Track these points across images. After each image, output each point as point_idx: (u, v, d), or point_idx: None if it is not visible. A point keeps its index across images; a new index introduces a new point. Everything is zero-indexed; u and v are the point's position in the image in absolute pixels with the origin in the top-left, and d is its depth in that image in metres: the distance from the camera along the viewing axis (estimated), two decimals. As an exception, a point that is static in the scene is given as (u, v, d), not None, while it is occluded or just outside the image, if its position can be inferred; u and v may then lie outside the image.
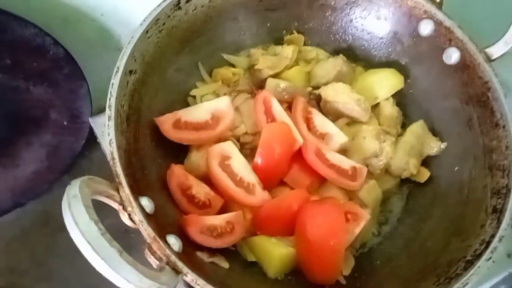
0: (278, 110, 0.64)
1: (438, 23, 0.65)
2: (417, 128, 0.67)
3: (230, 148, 0.61)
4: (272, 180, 0.62)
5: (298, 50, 0.72)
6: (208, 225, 0.55)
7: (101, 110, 0.78)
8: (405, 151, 0.65)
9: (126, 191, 0.48)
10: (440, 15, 0.65)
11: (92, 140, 0.75)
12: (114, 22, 0.74)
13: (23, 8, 0.64)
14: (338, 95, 0.66)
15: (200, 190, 0.59)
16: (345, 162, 0.62)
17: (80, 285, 0.73)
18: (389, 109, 0.67)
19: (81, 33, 0.73)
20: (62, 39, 0.67)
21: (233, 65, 0.73)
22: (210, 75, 0.71)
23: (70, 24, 0.70)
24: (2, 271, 0.72)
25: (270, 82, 0.68)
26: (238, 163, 0.61)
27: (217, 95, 0.69)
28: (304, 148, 0.61)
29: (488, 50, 0.62)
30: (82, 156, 0.76)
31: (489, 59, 0.62)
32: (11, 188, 0.69)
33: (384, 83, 0.69)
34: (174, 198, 0.59)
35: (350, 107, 0.66)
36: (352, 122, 0.68)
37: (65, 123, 0.71)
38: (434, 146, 0.66)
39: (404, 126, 0.71)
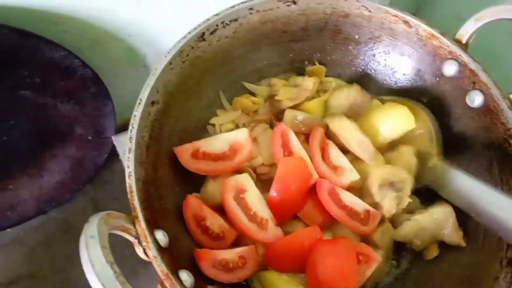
0: (295, 144, 0.65)
1: (463, 65, 0.65)
2: (439, 212, 0.63)
3: (246, 180, 0.62)
4: (286, 215, 0.63)
5: (319, 82, 0.72)
6: (220, 259, 0.56)
7: (125, 123, 0.81)
8: (411, 229, 0.62)
9: (142, 225, 0.49)
10: (465, 57, 0.64)
11: (115, 153, 0.78)
12: (141, 42, 0.76)
13: (54, 31, 0.66)
14: (343, 130, 0.66)
15: (214, 222, 0.60)
16: (359, 205, 0.62)
17: None
18: (407, 157, 0.66)
19: (109, 53, 0.75)
20: (91, 58, 0.70)
21: (253, 94, 0.73)
22: (231, 103, 0.72)
23: (98, 45, 0.73)
24: (23, 276, 0.76)
25: (288, 114, 0.69)
26: (253, 196, 0.61)
27: (236, 123, 0.70)
28: (318, 186, 0.61)
29: (512, 96, 0.61)
30: (105, 168, 0.79)
31: (513, 106, 0.61)
32: (35, 197, 0.73)
33: (394, 124, 0.67)
34: (189, 228, 0.60)
35: (353, 147, 0.66)
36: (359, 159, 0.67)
37: (89, 137, 0.75)
38: (453, 240, 0.62)
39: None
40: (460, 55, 0.65)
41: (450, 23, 0.70)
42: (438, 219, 0.62)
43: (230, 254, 0.57)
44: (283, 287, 0.57)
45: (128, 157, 0.53)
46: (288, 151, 0.65)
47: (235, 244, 0.61)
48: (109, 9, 0.68)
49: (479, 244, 0.60)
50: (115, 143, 0.77)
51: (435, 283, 0.61)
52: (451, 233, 0.62)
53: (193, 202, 0.60)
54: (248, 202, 0.61)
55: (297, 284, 0.58)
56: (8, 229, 0.74)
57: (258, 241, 0.59)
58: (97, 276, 0.39)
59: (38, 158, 0.73)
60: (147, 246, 0.49)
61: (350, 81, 0.75)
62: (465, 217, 0.64)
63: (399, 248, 0.66)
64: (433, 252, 0.64)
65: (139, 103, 0.56)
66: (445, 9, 0.63)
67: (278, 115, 0.71)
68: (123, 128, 0.79)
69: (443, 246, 0.64)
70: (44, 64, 0.66)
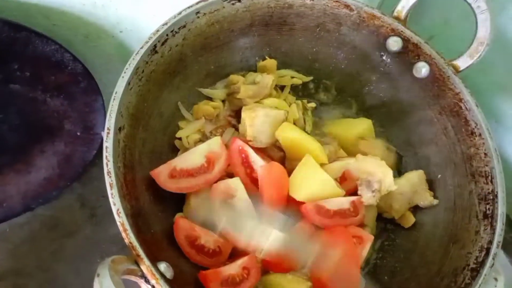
0: (255, 159, 0.63)
1: (405, 40, 0.68)
2: (414, 177, 0.67)
3: (235, 185, 0.61)
4: None
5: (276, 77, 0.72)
6: (226, 276, 0.55)
7: None
8: (390, 194, 0.65)
9: (146, 263, 0.46)
10: (407, 32, 0.68)
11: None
12: (132, 38, 0.75)
13: (46, 25, 0.66)
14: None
15: (209, 239, 0.58)
16: (344, 203, 0.63)
17: None
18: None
19: (101, 49, 0.75)
20: (82, 54, 0.69)
21: (211, 99, 0.71)
22: (192, 113, 0.69)
23: (90, 41, 0.72)
24: (8, 274, 0.72)
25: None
26: (242, 202, 0.60)
27: (202, 132, 0.68)
28: (305, 212, 0.61)
29: (455, 63, 0.66)
30: (93, 164, 0.76)
31: (457, 71, 0.66)
32: (22, 193, 0.71)
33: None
34: (184, 251, 0.57)
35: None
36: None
37: (78, 133, 0.73)
38: (426, 200, 0.67)
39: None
40: (401, 30, 0.68)
41: (438, 27, 0.74)
42: (413, 183, 0.66)
43: (234, 268, 0.56)
44: (290, 286, 0.58)
45: (112, 194, 0.49)
46: (249, 168, 0.64)
47: (232, 255, 0.60)
48: (102, 5, 0.67)
49: (452, 203, 0.65)
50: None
51: (421, 248, 0.65)
52: (424, 194, 0.67)
53: (183, 224, 0.58)
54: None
55: (302, 280, 0.58)
56: None
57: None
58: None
59: (26, 154, 0.71)
60: (157, 282, 0.46)
61: (303, 70, 0.76)
62: (432, 182, 0.69)
63: (379, 221, 0.69)
64: (410, 220, 0.68)
65: (108, 133, 0.52)
66: (434, 14, 0.66)
67: (238, 112, 0.70)
68: None
69: (419, 211, 0.68)
70: (35, 57, 0.66)
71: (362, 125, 0.73)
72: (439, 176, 0.68)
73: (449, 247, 0.62)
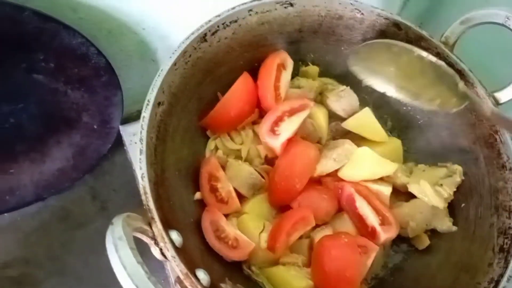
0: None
1: (450, 65, 0.68)
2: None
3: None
4: (283, 196, 0.66)
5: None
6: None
7: (129, 115, 0.82)
8: (410, 209, 0.66)
9: (158, 226, 0.49)
10: (452, 58, 0.68)
11: (116, 144, 0.78)
12: (154, 36, 0.76)
13: (72, 18, 0.67)
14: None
15: (225, 187, 0.65)
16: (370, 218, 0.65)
17: (91, 283, 0.77)
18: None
19: (122, 44, 0.75)
20: (104, 49, 0.70)
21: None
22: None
23: (113, 36, 0.73)
24: (17, 262, 0.75)
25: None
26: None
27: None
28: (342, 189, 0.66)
29: (496, 94, 0.66)
30: (105, 158, 0.79)
31: (497, 103, 0.66)
32: (35, 182, 0.73)
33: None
34: (200, 182, 0.66)
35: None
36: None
37: (95, 126, 0.75)
38: (444, 225, 0.66)
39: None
40: (447, 56, 0.68)
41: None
42: (433, 206, 0.66)
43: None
44: (292, 281, 0.59)
45: (140, 159, 0.53)
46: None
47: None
48: (127, 1, 0.68)
49: (471, 233, 0.64)
50: (122, 133, 0.78)
51: (432, 272, 0.64)
52: (443, 219, 0.67)
53: (213, 161, 0.65)
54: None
55: (305, 278, 0.60)
56: (5, 214, 0.74)
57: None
58: (130, 277, 0.39)
59: (43, 144, 0.73)
60: (165, 246, 0.49)
61: (342, 80, 0.78)
62: (454, 209, 0.68)
63: (393, 240, 0.69)
64: (424, 242, 0.68)
65: (147, 104, 0.56)
66: (453, 19, 0.66)
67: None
68: (126, 120, 0.79)
69: (436, 235, 0.68)
70: (61, 49, 0.66)
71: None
72: (463, 205, 0.67)
73: (459, 274, 0.61)
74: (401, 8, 0.80)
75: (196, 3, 0.71)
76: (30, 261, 0.75)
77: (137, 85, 0.75)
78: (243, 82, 0.69)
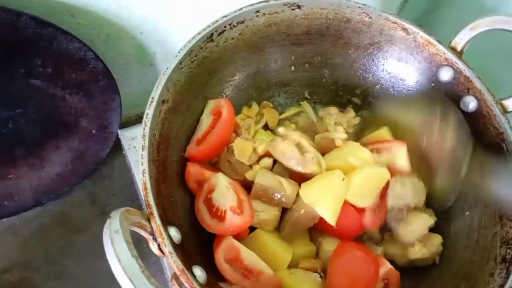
0: None
1: (457, 71, 0.68)
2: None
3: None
4: None
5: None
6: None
7: (128, 120, 0.82)
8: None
9: (157, 222, 0.50)
10: (460, 64, 0.67)
11: (115, 148, 0.79)
12: (152, 40, 0.77)
13: (70, 22, 0.67)
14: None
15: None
16: None
17: (90, 287, 0.75)
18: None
19: (121, 49, 0.76)
20: (102, 53, 0.70)
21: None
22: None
23: (111, 41, 0.73)
24: (16, 266, 0.75)
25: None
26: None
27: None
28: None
29: (505, 102, 0.65)
30: (104, 162, 0.79)
31: (505, 111, 0.65)
32: (34, 187, 0.74)
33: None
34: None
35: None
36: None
37: (93, 131, 0.75)
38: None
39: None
40: (455, 62, 0.68)
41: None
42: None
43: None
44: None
45: (142, 154, 0.54)
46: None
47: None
48: (126, 6, 0.68)
49: (474, 242, 0.63)
50: (120, 137, 0.79)
51: (432, 280, 0.64)
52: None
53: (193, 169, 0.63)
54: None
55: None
56: (4, 219, 0.75)
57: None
58: (124, 270, 0.40)
59: (41, 149, 0.73)
60: (163, 242, 0.49)
61: (350, 84, 0.78)
62: (458, 219, 0.68)
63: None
64: None
65: (151, 102, 0.57)
66: (451, 21, 0.66)
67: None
68: (124, 124, 0.80)
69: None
70: (58, 54, 0.66)
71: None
72: (467, 213, 0.66)
73: (460, 284, 0.60)
74: (399, 10, 0.80)
75: (194, 8, 0.71)
76: (29, 265, 0.76)
77: (135, 90, 0.76)
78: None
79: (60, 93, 0.70)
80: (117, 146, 0.79)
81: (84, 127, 0.74)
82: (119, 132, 0.77)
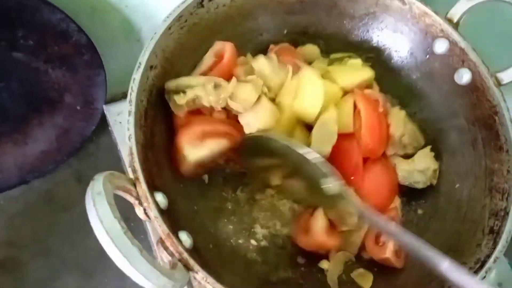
0: None
1: (453, 43, 0.67)
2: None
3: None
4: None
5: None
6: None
7: (114, 97, 0.81)
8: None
9: (143, 186, 0.49)
10: (455, 36, 0.66)
11: (101, 126, 0.77)
12: (137, 14, 0.75)
13: None
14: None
15: None
16: None
17: (76, 265, 0.75)
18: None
19: (106, 22, 0.73)
20: (87, 27, 0.68)
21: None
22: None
23: (96, 13, 0.71)
24: (1, 244, 0.75)
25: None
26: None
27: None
28: None
29: (499, 75, 0.64)
30: (90, 140, 0.77)
31: (499, 84, 0.64)
32: (18, 165, 0.72)
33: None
34: None
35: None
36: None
37: (78, 107, 0.73)
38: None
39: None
40: (451, 33, 0.67)
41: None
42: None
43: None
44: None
45: (128, 120, 0.53)
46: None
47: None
48: None
49: (462, 214, 0.63)
50: (106, 112, 0.76)
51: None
52: None
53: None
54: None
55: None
56: None
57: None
58: (106, 231, 0.39)
59: (25, 124, 0.72)
60: (148, 206, 0.49)
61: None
62: (448, 191, 0.67)
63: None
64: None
65: (138, 67, 0.56)
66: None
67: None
68: (110, 102, 0.78)
69: (430, 216, 0.67)
70: (41, 26, 0.64)
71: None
72: (457, 185, 0.66)
73: (447, 253, 0.60)
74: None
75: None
76: (15, 244, 0.75)
77: (121, 66, 0.72)
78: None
79: (43, 67, 0.68)
80: (103, 124, 0.77)
81: (68, 103, 0.72)
82: (105, 107, 0.75)
